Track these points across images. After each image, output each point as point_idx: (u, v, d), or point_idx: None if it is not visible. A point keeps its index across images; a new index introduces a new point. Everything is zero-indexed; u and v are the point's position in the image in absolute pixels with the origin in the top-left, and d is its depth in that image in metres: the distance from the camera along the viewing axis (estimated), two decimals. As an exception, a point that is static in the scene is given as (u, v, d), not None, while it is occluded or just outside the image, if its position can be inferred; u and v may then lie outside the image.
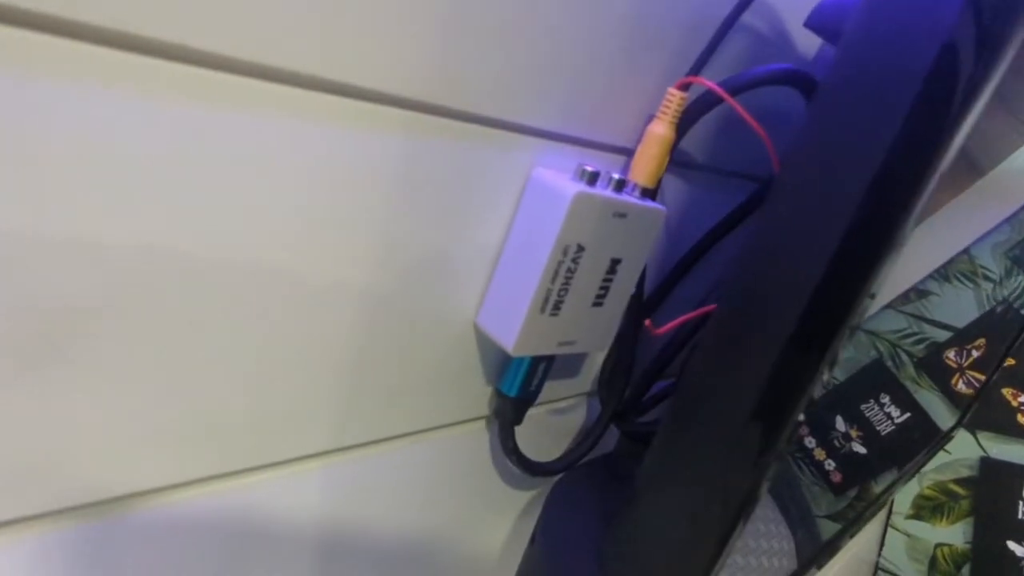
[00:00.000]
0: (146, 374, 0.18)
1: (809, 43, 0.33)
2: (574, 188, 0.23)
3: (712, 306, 0.24)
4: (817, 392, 0.19)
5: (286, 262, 0.20)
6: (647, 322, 0.27)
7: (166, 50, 0.15)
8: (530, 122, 0.24)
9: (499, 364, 0.29)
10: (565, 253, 0.24)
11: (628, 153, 0.28)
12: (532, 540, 0.29)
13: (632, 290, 0.28)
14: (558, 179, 0.24)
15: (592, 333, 0.28)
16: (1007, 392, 0.57)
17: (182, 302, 0.18)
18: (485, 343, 0.28)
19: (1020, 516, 0.54)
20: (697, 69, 0.26)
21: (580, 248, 0.24)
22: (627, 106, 0.27)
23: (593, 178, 0.24)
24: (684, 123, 0.26)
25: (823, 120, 0.19)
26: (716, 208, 0.34)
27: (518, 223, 0.25)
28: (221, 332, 0.19)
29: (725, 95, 0.24)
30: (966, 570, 0.53)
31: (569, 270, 0.25)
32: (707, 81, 0.24)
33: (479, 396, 0.29)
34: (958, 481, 0.55)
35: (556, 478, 0.32)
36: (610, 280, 0.27)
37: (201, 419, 0.20)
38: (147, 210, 0.16)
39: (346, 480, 0.26)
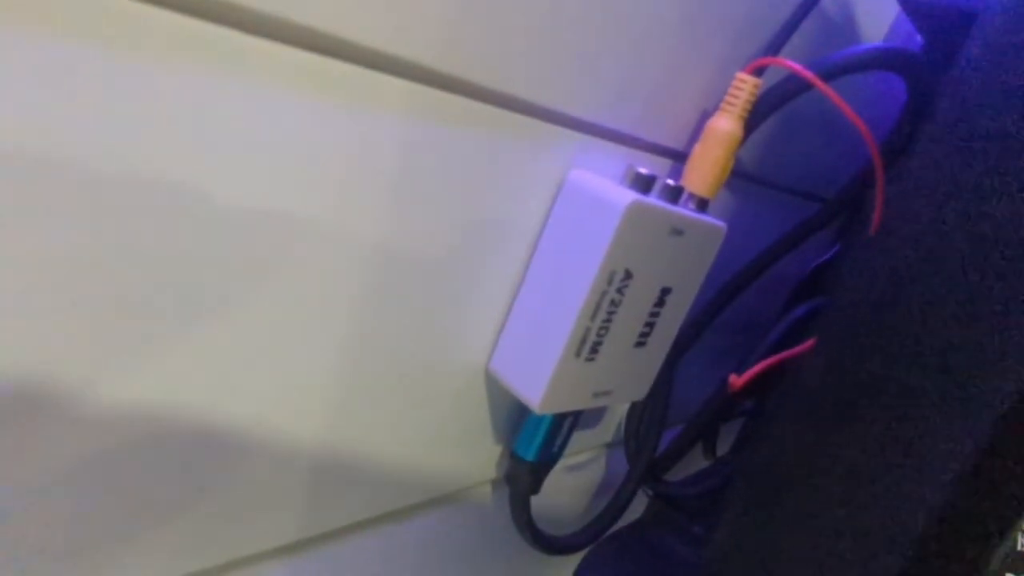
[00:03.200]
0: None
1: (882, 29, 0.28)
2: (628, 196, 0.18)
3: (804, 345, 0.19)
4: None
5: (247, 278, 0.14)
6: (732, 377, 0.21)
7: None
8: (568, 110, 0.18)
9: (512, 417, 0.23)
10: (611, 281, 0.18)
11: (675, 156, 0.23)
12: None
13: (678, 326, 0.23)
14: (604, 184, 0.18)
15: (631, 380, 0.22)
16: None
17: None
18: (496, 392, 0.22)
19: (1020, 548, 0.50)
20: (771, 53, 0.21)
21: (628, 274, 0.19)
22: (681, 98, 0.21)
23: (647, 184, 0.19)
24: (755, 117, 0.20)
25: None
26: (762, 226, 0.29)
27: (548, 239, 0.19)
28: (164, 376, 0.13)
29: (817, 80, 0.19)
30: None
31: (613, 302, 0.19)
32: (791, 63, 0.19)
33: (486, 457, 0.23)
34: None
35: (578, 555, 0.26)
36: (657, 314, 0.21)
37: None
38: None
39: (315, 576, 0.19)
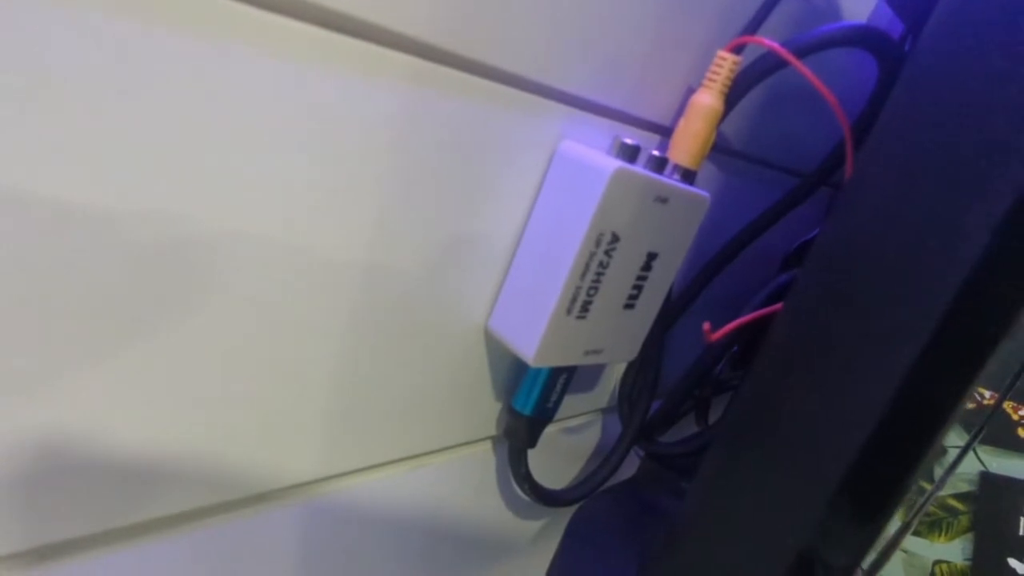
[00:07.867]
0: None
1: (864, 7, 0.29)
2: (613, 164, 0.19)
3: (775, 307, 0.20)
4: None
5: (261, 242, 0.15)
6: (706, 325, 0.23)
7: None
8: (560, 85, 0.20)
9: (511, 376, 0.24)
10: (598, 243, 0.20)
11: (662, 131, 0.24)
12: (548, 583, 0.25)
13: (666, 291, 0.24)
14: (592, 154, 0.20)
15: (621, 340, 0.24)
16: (1007, 405, 0.54)
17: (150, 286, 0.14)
18: (495, 351, 0.23)
19: (1021, 532, 0.52)
20: (750, 32, 0.22)
21: (615, 237, 0.20)
22: (667, 75, 0.23)
23: (633, 154, 0.20)
24: (735, 93, 0.22)
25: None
26: (749, 201, 0.31)
27: (541, 205, 0.21)
28: (186, 337, 0.15)
29: (790, 57, 0.20)
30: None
31: (601, 264, 0.21)
32: (767, 41, 0.21)
33: (486, 414, 0.25)
34: (957, 496, 0.53)
35: (572, 507, 0.28)
36: (644, 278, 0.23)
37: (161, 454, 0.16)
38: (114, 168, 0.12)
39: (333, 514, 0.21)
